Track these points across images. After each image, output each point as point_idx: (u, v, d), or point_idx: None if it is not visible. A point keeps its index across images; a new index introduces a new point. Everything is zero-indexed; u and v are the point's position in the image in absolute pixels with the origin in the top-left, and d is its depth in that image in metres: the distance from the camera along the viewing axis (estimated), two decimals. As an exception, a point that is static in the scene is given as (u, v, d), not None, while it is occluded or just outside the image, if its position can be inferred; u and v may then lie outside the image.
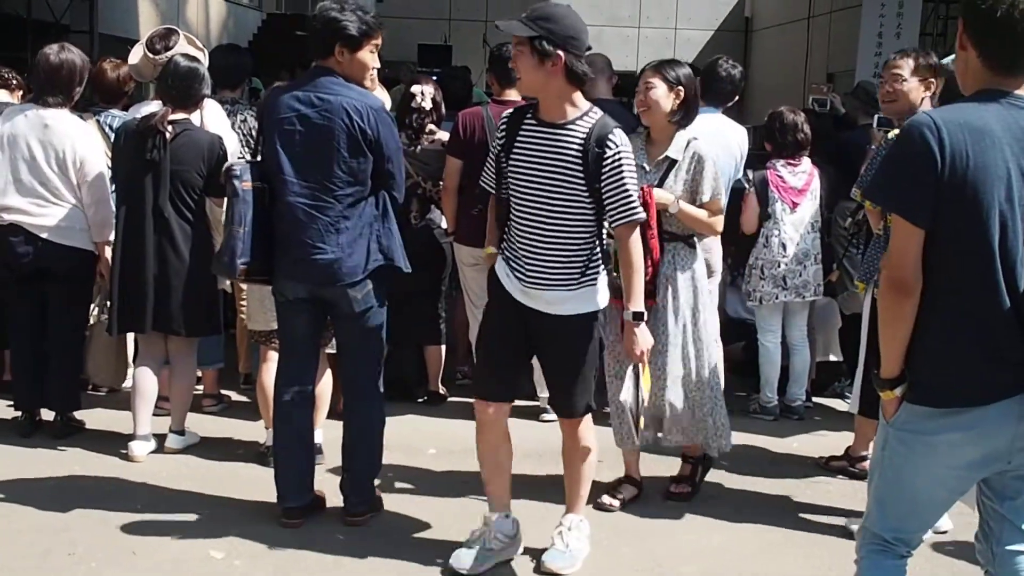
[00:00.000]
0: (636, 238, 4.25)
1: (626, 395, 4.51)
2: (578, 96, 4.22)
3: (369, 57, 4.70)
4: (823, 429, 6.55)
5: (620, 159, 4.14)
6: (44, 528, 4.74)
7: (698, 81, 6.56)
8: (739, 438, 6.32)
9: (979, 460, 3.06)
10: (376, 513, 4.97)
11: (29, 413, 5.96)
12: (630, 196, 4.17)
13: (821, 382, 7.32)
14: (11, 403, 6.07)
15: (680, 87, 5.03)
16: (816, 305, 6.95)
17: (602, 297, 4.37)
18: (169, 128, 5.48)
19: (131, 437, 5.65)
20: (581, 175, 4.16)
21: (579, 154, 4.15)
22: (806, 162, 6.65)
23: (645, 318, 4.30)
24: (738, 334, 7.35)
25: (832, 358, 7.20)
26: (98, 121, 6.46)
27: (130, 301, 5.53)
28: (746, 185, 6.78)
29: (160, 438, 5.74)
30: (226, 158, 5.64)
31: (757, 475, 5.75)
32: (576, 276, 4.28)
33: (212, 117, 6.10)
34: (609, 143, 4.13)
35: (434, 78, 6.94)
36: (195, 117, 5.74)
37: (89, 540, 4.63)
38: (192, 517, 4.91)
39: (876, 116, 6.27)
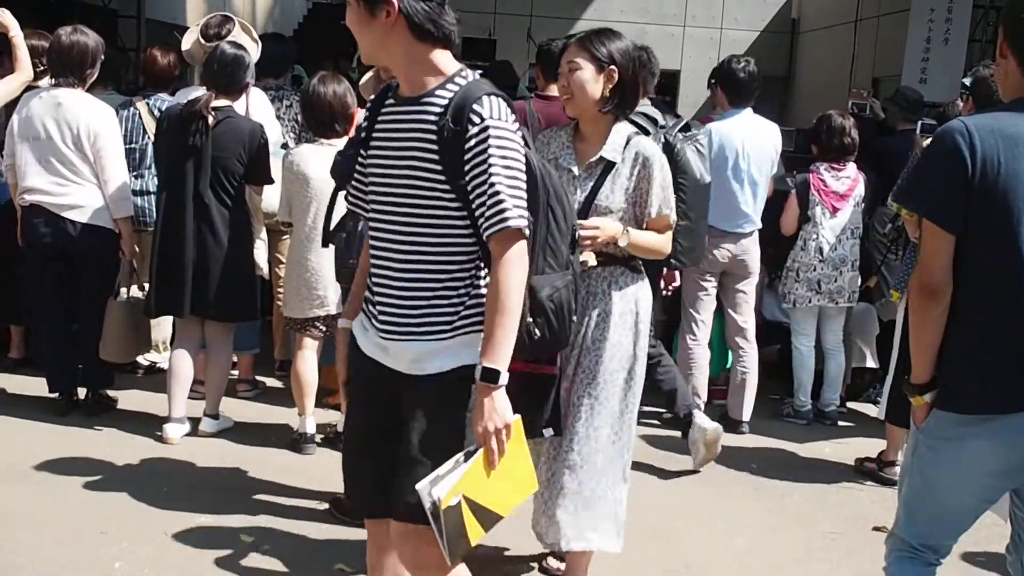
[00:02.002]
0: (513, 259, 2.83)
1: (429, 490, 2.78)
2: (441, 57, 2.96)
3: None
4: (856, 435, 6.51)
5: (487, 139, 2.82)
6: (77, 507, 4.80)
7: (719, 88, 6.53)
8: (771, 442, 6.33)
9: (1007, 469, 3.05)
10: None
11: (67, 393, 6.03)
12: (498, 193, 2.81)
13: (856, 388, 7.28)
14: (47, 386, 6.14)
15: (613, 67, 3.93)
16: (854, 311, 6.92)
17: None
18: (211, 114, 5.52)
19: (166, 419, 5.70)
20: (438, 166, 2.88)
21: (433, 136, 2.88)
22: (851, 167, 6.61)
23: (503, 381, 2.82)
24: (774, 337, 7.33)
25: (869, 364, 7.16)
26: (147, 105, 6.52)
27: (169, 285, 5.59)
28: (789, 185, 6.77)
29: (194, 421, 5.79)
30: (267, 146, 5.69)
31: (788, 479, 5.73)
32: (448, 319, 2.94)
33: (257, 105, 6.14)
34: (472, 116, 2.84)
35: (479, 72, 6.93)
36: (239, 105, 5.78)
37: (121, 520, 4.68)
38: (223, 501, 4.95)
39: (919, 122, 6.25)
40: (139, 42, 11.39)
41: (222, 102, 5.61)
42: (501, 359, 2.82)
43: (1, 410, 5.99)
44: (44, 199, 5.77)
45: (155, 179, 6.23)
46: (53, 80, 5.88)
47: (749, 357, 6.46)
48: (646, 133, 4.84)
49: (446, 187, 2.89)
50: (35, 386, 6.24)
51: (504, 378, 2.82)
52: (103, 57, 5.96)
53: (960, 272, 2.98)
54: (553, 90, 6.33)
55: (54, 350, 6.07)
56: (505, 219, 2.82)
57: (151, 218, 6.13)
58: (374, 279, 3.05)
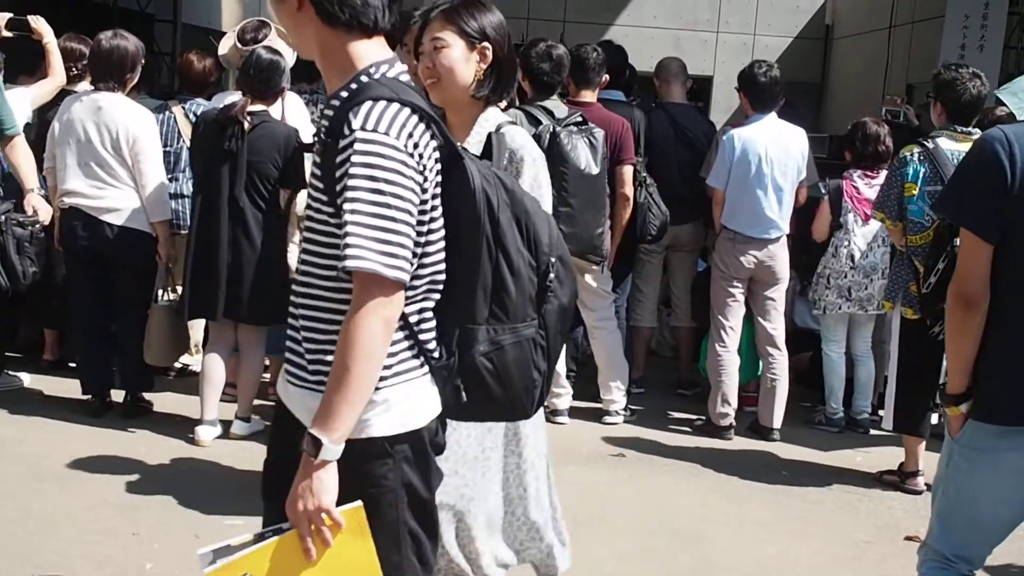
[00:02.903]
0: (364, 309, 2.25)
1: (209, 560, 2.36)
2: (358, 49, 2.40)
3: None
4: (888, 444, 6.47)
5: (351, 156, 2.27)
6: (110, 507, 4.83)
7: (742, 94, 6.52)
8: (802, 450, 6.30)
9: None
10: None
11: (100, 395, 6.08)
12: (347, 224, 2.25)
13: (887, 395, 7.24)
14: (80, 388, 6.18)
15: (486, 43, 3.38)
16: (886, 318, 6.88)
17: (396, 417, 2.38)
18: (247, 119, 5.55)
19: (198, 422, 5.74)
20: (320, 183, 2.36)
21: (319, 148, 2.41)
22: (884, 175, 6.57)
23: (327, 456, 2.27)
24: (805, 344, 7.30)
25: (901, 372, 7.11)
26: (183, 109, 6.58)
27: (203, 288, 5.62)
28: (822, 191, 6.75)
29: (226, 424, 5.83)
30: (302, 151, 5.71)
31: (819, 487, 5.70)
32: None
33: (293, 110, 6.18)
34: (345, 126, 2.29)
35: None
36: (275, 109, 5.81)
37: (153, 521, 4.71)
38: (254, 502, 4.95)
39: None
40: (175, 47, 11.48)
41: (258, 107, 5.64)
42: (331, 428, 2.26)
43: (36, 411, 6.05)
44: (82, 202, 5.82)
45: (190, 183, 6.28)
46: (93, 84, 5.93)
47: (779, 364, 6.44)
48: (538, 124, 4.94)
49: (330, 210, 2.34)
50: (69, 388, 6.28)
51: (329, 453, 2.26)
52: (143, 62, 6.01)
53: (997, 282, 2.95)
54: (583, 96, 6.36)
55: (89, 352, 6.12)
56: (344, 257, 2.25)
57: (186, 221, 6.18)
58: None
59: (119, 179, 5.82)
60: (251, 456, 5.59)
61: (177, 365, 6.82)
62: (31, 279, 5.64)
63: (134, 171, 5.83)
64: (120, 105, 5.82)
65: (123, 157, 5.80)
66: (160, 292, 5.97)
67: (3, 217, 5.54)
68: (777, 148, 6.33)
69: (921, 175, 5.41)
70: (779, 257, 6.42)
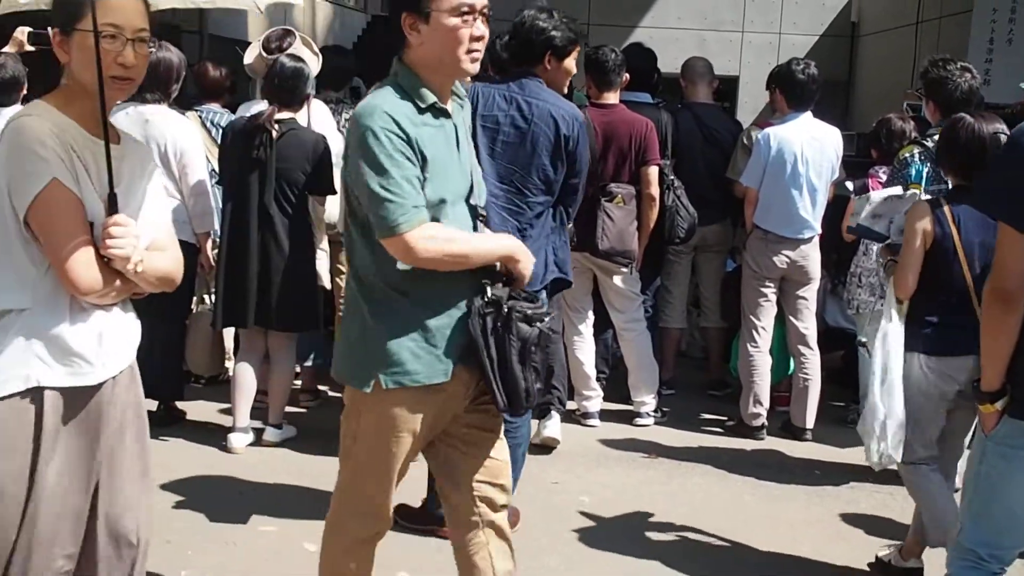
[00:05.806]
0: None
1: None
2: None
3: (572, 64, 4.73)
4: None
5: None
6: (145, 515, 4.86)
7: (777, 92, 6.48)
8: (835, 450, 6.27)
9: None
10: None
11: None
12: None
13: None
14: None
15: None
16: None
17: None
18: (275, 127, 5.58)
19: (230, 429, 5.77)
20: None
21: None
22: (910, 172, 6.53)
23: None
24: (837, 342, 7.25)
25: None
26: (200, 117, 6.61)
27: (234, 296, 5.65)
28: (848, 190, 6.71)
29: (258, 431, 5.85)
30: (330, 157, 5.74)
31: (852, 486, 5.67)
32: None
33: (319, 117, 6.20)
34: None
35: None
36: (301, 116, 5.84)
37: (187, 528, 4.73)
38: (287, 509, 4.99)
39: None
40: (201, 57, 11.54)
41: (285, 115, 5.67)
42: None
43: (70, 421, 6.08)
44: None
45: (215, 191, 6.31)
46: (136, 96, 5.95)
47: (811, 364, 6.41)
48: None
49: None
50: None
51: None
52: (184, 73, 6.04)
53: None
54: (606, 98, 6.34)
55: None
56: None
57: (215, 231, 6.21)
58: None
59: (167, 191, 5.84)
60: (284, 463, 5.62)
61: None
62: (536, 399, 3.42)
63: (180, 183, 5.83)
64: (168, 118, 5.82)
65: (171, 170, 5.78)
66: (198, 301, 6.00)
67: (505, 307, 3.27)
68: (812, 148, 6.29)
69: (924, 175, 5.31)
70: (811, 257, 6.39)
